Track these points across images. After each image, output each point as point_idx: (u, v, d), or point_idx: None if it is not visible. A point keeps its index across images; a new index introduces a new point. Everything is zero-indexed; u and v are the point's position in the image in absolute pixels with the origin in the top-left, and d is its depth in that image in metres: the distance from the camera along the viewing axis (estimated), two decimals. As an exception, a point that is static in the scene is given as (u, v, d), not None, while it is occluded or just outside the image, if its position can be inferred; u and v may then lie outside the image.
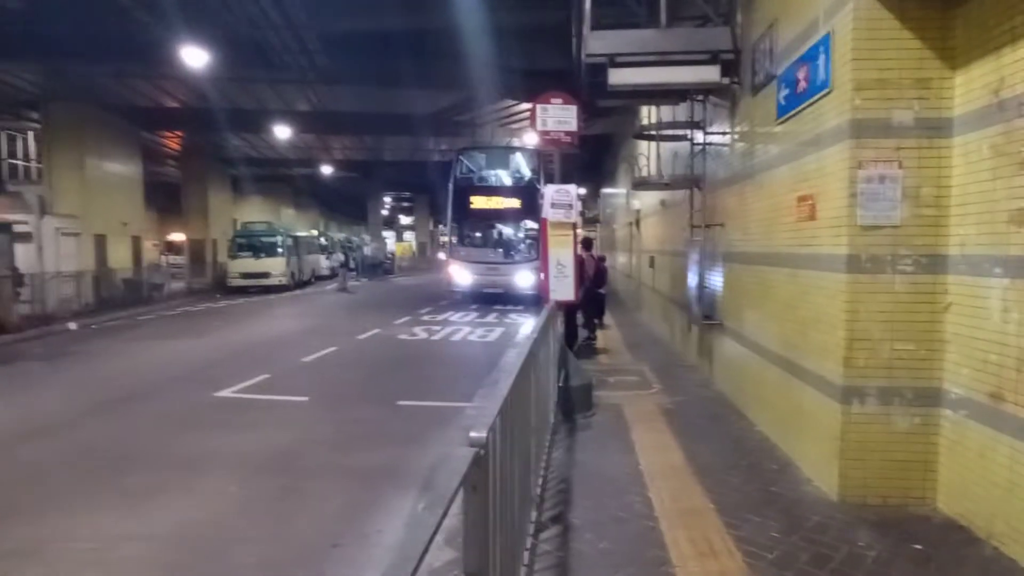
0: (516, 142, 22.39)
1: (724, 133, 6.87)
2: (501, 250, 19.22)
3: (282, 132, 19.64)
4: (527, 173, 19.23)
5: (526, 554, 3.01)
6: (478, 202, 18.14)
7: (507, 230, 19.93)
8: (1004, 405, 3.22)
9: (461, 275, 17.81)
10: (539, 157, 17.70)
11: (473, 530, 1.50)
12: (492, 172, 19.63)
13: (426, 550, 0.97)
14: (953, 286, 3.68)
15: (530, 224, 18.27)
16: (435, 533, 1.03)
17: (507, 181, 19.46)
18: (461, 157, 19.12)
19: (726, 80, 6.16)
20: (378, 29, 11.90)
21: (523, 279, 17.26)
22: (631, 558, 3.25)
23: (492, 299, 17.48)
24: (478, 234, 19.65)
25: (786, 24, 4.96)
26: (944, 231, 3.74)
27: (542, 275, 6.56)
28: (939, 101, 3.75)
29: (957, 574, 3.07)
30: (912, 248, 3.77)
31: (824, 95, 4.15)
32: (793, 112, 4.72)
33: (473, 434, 1.51)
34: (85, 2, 10.75)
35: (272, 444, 5.56)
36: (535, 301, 16.04)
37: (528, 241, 18.78)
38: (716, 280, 7.06)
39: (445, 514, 1.12)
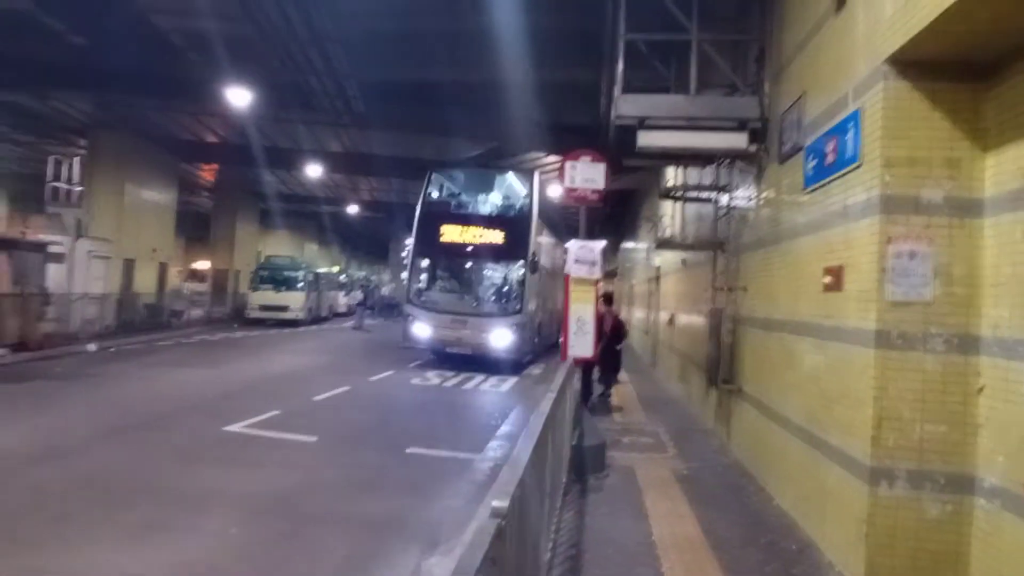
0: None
1: (750, 198, 6.91)
2: (473, 298, 14.70)
3: (313, 171, 20.18)
4: (519, 200, 15.36)
5: (532, 625, 2.87)
6: (450, 233, 14.14)
7: (485, 272, 15.29)
8: (1042, 500, 3.07)
9: (418, 327, 13.81)
10: (534, 181, 14.49)
11: (487, 605, 1.44)
12: (473, 197, 15.94)
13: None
14: (986, 368, 3.58)
15: (516, 265, 14.15)
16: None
17: (491, 209, 15.60)
18: (434, 176, 15.25)
19: (753, 147, 6.24)
20: (415, 80, 12.35)
21: (498, 338, 13.23)
22: (642, 637, 3.09)
23: (458, 362, 13.62)
24: (447, 275, 15.15)
25: (815, 97, 5.03)
26: (976, 311, 3.66)
27: (556, 332, 6.31)
28: (969, 182, 3.73)
29: None
30: (944, 327, 3.69)
31: (853, 169, 4.16)
32: (821, 183, 4.74)
33: (495, 503, 1.47)
34: (140, 39, 11.33)
35: (277, 485, 5.48)
36: (513, 368, 13.20)
37: (512, 288, 14.42)
38: (737, 344, 6.96)
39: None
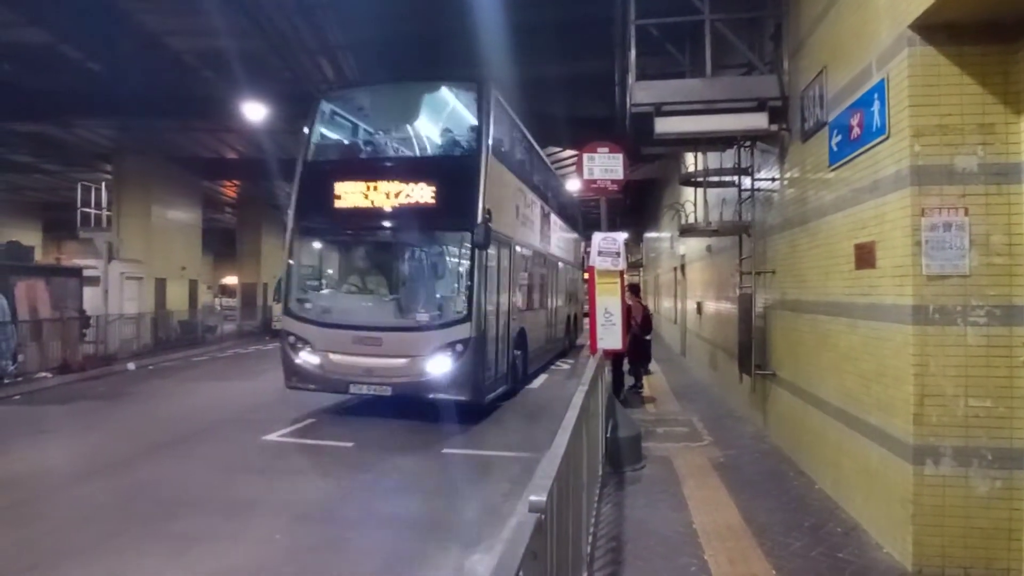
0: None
1: (773, 179, 6.78)
2: (390, 300, 8.83)
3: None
4: (462, 131, 9.28)
5: (577, 619, 2.86)
6: (350, 195, 8.41)
7: (409, 254, 9.29)
8: (1101, 471, 2.95)
9: (304, 355, 8.34)
10: (487, 100, 8.63)
11: (531, 600, 1.43)
12: (386, 132, 10.02)
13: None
14: (1032, 339, 3.46)
15: (459, 239, 8.42)
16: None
17: (416, 148, 10.09)
18: (324, 104, 9.46)
19: (774, 127, 6.11)
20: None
21: (437, 365, 7.77)
22: (688, 627, 3.06)
23: (381, 407, 8.65)
24: (347, 264, 9.63)
25: (836, 71, 4.92)
26: (1019, 280, 3.54)
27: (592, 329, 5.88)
28: (1005, 147, 3.62)
29: (1058, 662, 2.76)
30: (984, 298, 3.58)
31: (880, 141, 4.06)
32: (847, 159, 4.63)
33: (533, 498, 1.46)
34: (154, 62, 11.62)
35: (317, 491, 5.56)
36: (465, 414, 8.10)
37: (454, 278, 8.66)
38: (768, 328, 6.84)
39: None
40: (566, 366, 13.97)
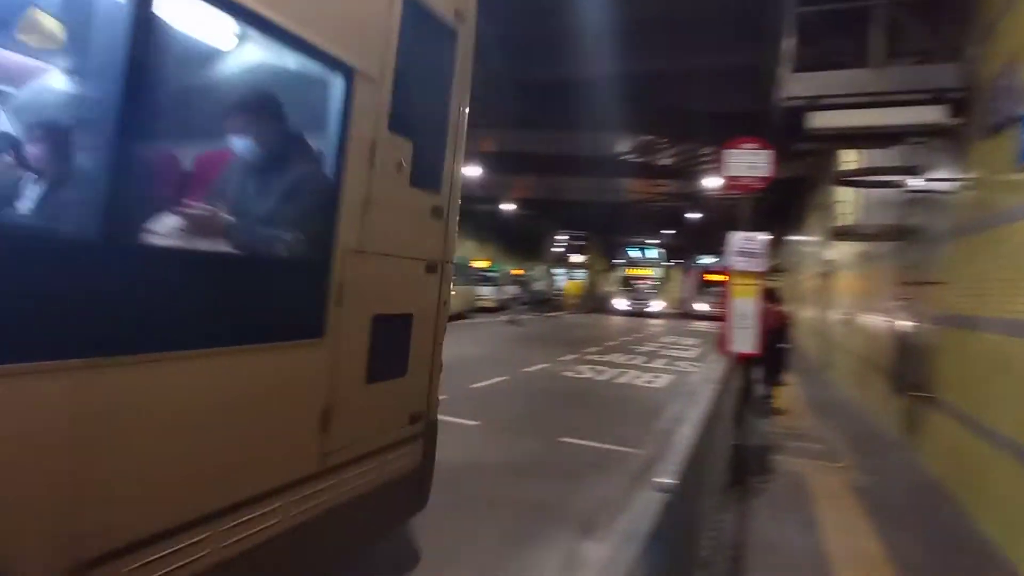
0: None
1: (946, 180, 6.06)
2: None
3: (472, 171, 21.34)
4: None
5: (691, 619, 2.83)
6: None
7: None
8: None
9: None
10: None
11: (651, 579, 1.49)
12: None
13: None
14: None
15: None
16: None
17: None
18: None
19: (953, 122, 5.46)
20: (572, 78, 12.51)
21: None
22: (812, 649, 2.91)
23: None
24: None
25: (1037, 58, 4.29)
26: None
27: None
28: None
29: None
30: None
31: (1090, 139, 3.50)
32: (1044, 158, 4.04)
33: (663, 479, 1.51)
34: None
35: (443, 463, 5.90)
36: None
37: None
38: (929, 346, 6.15)
39: (639, 558, 1.14)
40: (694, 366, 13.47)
